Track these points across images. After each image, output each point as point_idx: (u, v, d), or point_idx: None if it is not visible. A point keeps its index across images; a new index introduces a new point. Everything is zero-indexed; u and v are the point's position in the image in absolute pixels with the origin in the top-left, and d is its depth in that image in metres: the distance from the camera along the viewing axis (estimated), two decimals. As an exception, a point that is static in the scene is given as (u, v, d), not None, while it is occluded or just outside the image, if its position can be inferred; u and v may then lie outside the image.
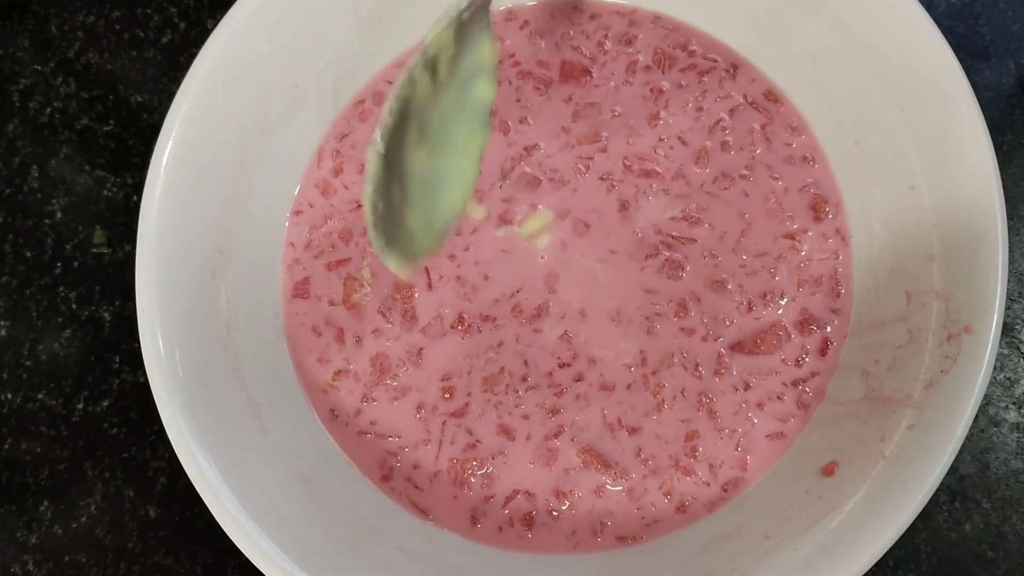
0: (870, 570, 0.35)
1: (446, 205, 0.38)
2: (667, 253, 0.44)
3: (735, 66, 0.46)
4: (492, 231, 0.45)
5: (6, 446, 0.48)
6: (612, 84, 0.46)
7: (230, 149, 0.42)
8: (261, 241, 0.44)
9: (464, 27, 0.35)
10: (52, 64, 0.53)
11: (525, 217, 0.45)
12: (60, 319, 0.50)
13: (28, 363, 0.49)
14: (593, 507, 0.42)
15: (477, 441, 0.43)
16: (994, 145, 0.37)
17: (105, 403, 0.49)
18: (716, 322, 0.43)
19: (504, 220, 0.45)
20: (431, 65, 0.35)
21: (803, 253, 0.44)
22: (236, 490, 0.37)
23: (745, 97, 0.46)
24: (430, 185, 0.38)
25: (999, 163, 0.37)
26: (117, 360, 0.49)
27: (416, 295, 0.44)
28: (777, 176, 0.45)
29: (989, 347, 0.36)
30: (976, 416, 0.36)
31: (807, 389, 0.43)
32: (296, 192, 0.46)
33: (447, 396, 0.43)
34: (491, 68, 0.38)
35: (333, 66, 0.45)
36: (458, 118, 0.38)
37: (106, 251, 0.50)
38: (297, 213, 0.46)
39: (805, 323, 0.43)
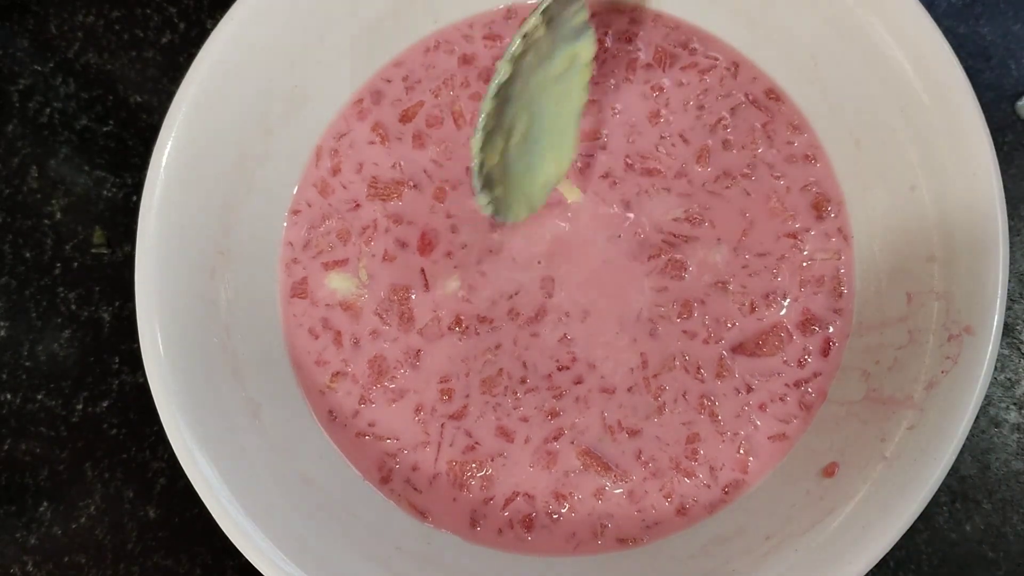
0: (871, 571, 0.35)
1: (548, 167, 0.42)
2: (669, 253, 0.44)
3: (736, 64, 0.46)
4: (490, 238, 0.45)
5: (6, 447, 0.48)
6: (612, 82, 0.46)
7: (230, 149, 0.42)
8: (260, 241, 0.44)
9: (554, 7, 0.38)
10: (52, 64, 0.53)
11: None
12: (60, 319, 0.50)
13: (28, 364, 0.49)
14: (593, 509, 0.42)
15: (476, 443, 0.43)
16: (995, 145, 0.37)
17: (105, 404, 0.49)
18: (718, 324, 0.43)
19: (495, 229, 0.45)
20: (527, 43, 0.38)
21: (805, 253, 0.44)
22: (235, 491, 0.37)
23: (746, 95, 0.45)
24: (533, 145, 0.41)
25: (1000, 163, 0.37)
26: (117, 361, 0.49)
27: (413, 296, 0.44)
28: (779, 175, 0.45)
29: (990, 348, 0.36)
30: (977, 417, 0.36)
31: (809, 390, 0.43)
32: (295, 192, 0.46)
33: (446, 398, 0.43)
34: (588, 27, 0.41)
35: (332, 66, 0.45)
36: (558, 81, 0.41)
37: (106, 251, 0.50)
38: (295, 213, 0.46)
39: (807, 323, 0.43)
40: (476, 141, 0.38)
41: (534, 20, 0.38)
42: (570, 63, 0.41)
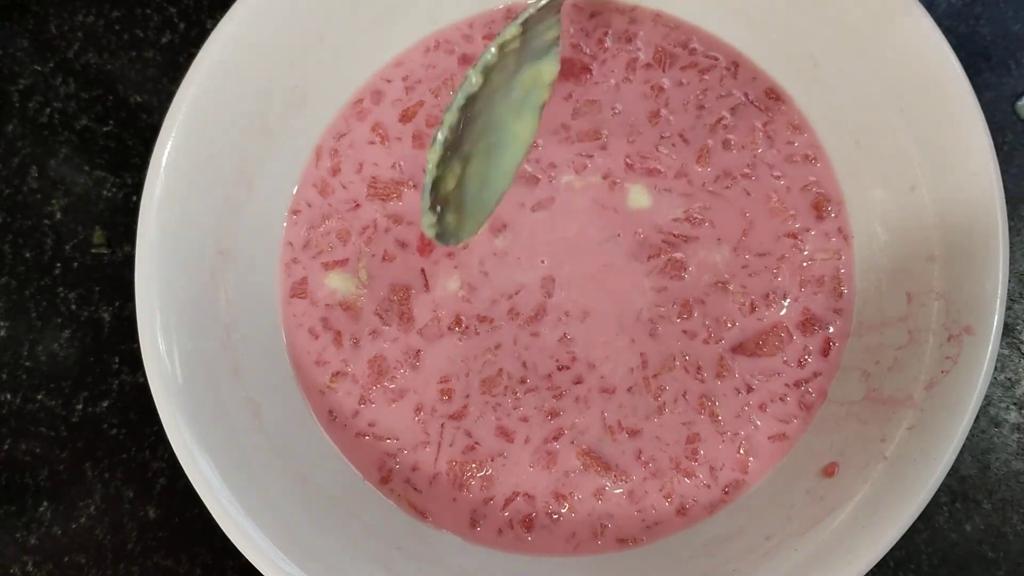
0: (871, 571, 0.35)
1: (494, 187, 0.40)
2: (669, 253, 0.44)
3: (736, 64, 0.46)
4: (490, 238, 0.45)
5: (5, 447, 0.48)
6: (612, 82, 0.46)
7: (230, 149, 0.42)
8: (260, 241, 0.44)
9: (532, 19, 0.37)
10: (52, 64, 0.53)
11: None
12: (60, 320, 0.50)
13: (28, 364, 0.49)
14: (593, 509, 0.42)
15: (476, 443, 0.43)
16: (994, 145, 0.37)
17: (104, 404, 0.49)
18: (718, 324, 0.43)
19: (494, 228, 0.45)
20: (500, 54, 0.37)
21: (805, 252, 0.44)
22: (235, 491, 0.37)
23: (746, 95, 0.45)
24: (487, 169, 0.40)
25: (999, 163, 0.37)
26: (117, 361, 0.49)
27: (413, 296, 0.44)
28: (779, 175, 0.45)
29: (990, 348, 0.36)
30: (977, 417, 0.36)
31: (809, 390, 0.43)
32: (295, 192, 0.46)
33: (445, 398, 0.43)
34: (555, 50, 0.40)
35: (332, 66, 0.45)
36: (514, 103, 0.40)
37: (106, 251, 0.50)
38: (295, 213, 0.46)
39: (807, 323, 0.43)
40: (433, 154, 0.36)
41: (513, 30, 0.37)
42: (533, 84, 0.40)
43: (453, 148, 0.37)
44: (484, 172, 0.40)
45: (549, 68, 0.40)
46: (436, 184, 0.36)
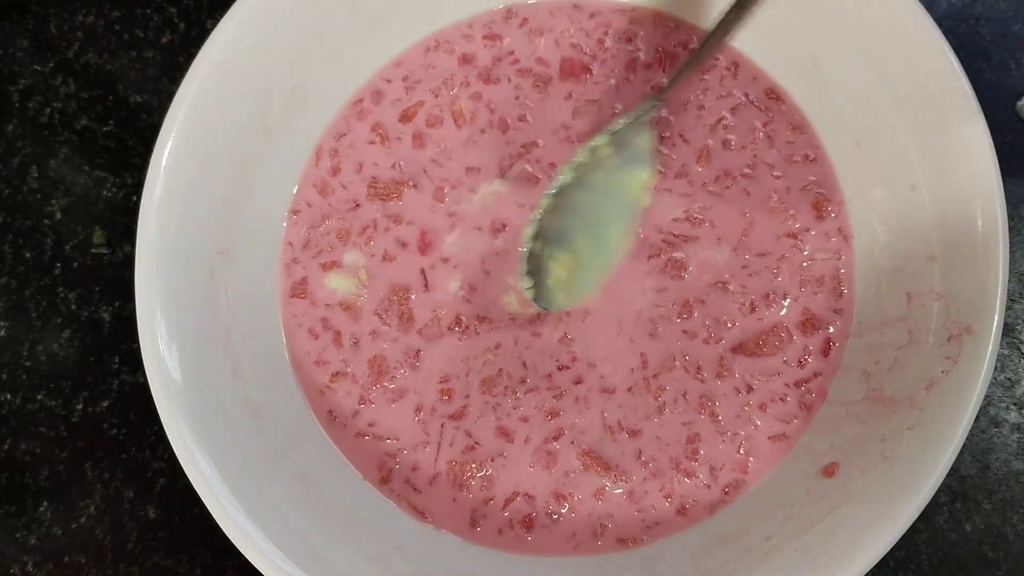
0: (871, 571, 0.35)
1: (598, 272, 0.43)
2: (669, 253, 0.44)
3: (736, 64, 0.46)
4: (491, 239, 0.45)
5: (5, 447, 0.48)
6: (612, 81, 0.46)
7: (229, 149, 0.42)
8: (260, 241, 0.44)
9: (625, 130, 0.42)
10: (52, 64, 0.52)
11: None
12: (60, 320, 0.49)
13: (28, 364, 0.49)
14: (593, 509, 0.42)
15: (476, 443, 0.43)
16: (994, 145, 0.37)
17: (104, 404, 0.49)
18: (718, 324, 0.43)
19: (494, 229, 0.45)
20: (592, 156, 0.42)
21: (805, 252, 0.44)
22: (235, 491, 0.37)
23: (746, 95, 0.45)
24: (589, 260, 0.43)
25: (1000, 163, 0.37)
26: (117, 361, 0.49)
27: (413, 296, 0.44)
28: (779, 175, 0.45)
29: (990, 348, 0.36)
30: (977, 417, 0.36)
31: (810, 390, 0.43)
32: (295, 192, 0.46)
33: (445, 398, 0.43)
34: (651, 158, 0.43)
35: (332, 66, 0.45)
36: (619, 206, 0.43)
37: (106, 251, 0.50)
38: (295, 213, 0.46)
39: (807, 323, 0.43)
40: (529, 228, 0.41)
41: (601, 139, 0.41)
42: (635, 188, 0.43)
43: (563, 243, 0.41)
44: (592, 263, 0.42)
45: (645, 175, 0.42)
46: (538, 262, 0.41)
